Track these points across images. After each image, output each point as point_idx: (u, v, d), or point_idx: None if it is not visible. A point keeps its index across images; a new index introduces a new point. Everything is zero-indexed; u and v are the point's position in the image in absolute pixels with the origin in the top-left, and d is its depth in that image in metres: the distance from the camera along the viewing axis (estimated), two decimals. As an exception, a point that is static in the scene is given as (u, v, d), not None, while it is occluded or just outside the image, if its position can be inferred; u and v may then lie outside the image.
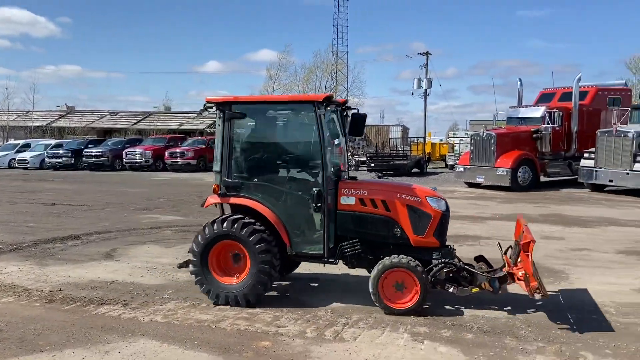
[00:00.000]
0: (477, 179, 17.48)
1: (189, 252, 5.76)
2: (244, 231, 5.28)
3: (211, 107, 5.75)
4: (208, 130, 43.73)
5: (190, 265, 5.54)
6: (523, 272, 4.89)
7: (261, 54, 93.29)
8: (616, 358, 4.21)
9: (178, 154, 26.66)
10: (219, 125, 5.64)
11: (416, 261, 5.16)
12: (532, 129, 17.38)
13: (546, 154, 17.51)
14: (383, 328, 4.84)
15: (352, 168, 23.04)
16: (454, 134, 29.90)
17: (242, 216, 5.40)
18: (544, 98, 19.40)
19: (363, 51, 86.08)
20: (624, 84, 19.66)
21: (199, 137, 32.60)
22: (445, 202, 5.63)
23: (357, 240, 5.50)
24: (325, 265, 5.65)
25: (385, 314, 5.15)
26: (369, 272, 5.38)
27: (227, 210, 5.77)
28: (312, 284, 6.38)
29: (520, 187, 16.58)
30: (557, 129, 17.42)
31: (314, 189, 5.38)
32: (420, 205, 5.44)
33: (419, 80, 38.55)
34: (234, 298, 5.37)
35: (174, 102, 73.14)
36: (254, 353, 4.33)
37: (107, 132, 45.79)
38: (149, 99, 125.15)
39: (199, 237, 5.45)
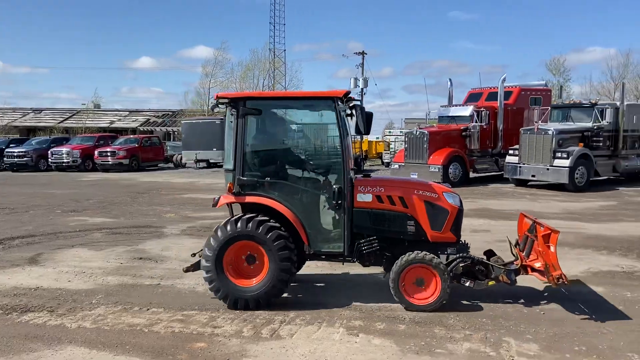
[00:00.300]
0: (412, 176, 18.02)
1: (192, 255, 5.75)
2: (262, 230, 5.16)
3: (222, 104, 5.60)
4: (141, 128, 42.36)
5: (204, 271, 5.28)
6: (542, 262, 5.11)
7: (197, 51, 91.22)
8: (536, 342, 4.50)
9: (109, 154, 25.60)
10: (231, 121, 5.53)
11: (437, 257, 5.23)
12: (462, 127, 18.14)
13: (475, 151, 18.32)
14: (319, 324, 4.91)
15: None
16: (389, 132, 30.61)
17: (256, 215, 5.26)
18: (472, 97, 20.30)
19: (300, 49, 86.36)
20: (544, 85, 20.93)
21: (131, 136, 31.49)
22: (459, 197, 5.71)
23: (374, 237, 5.45)
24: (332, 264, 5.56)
25: (405, 309, 5.21)
26: (386, 269, 5.49)
27: (235, 209, 5.55)
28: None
29: (452, 183, 17.25)
30: (485, 127, 18.28)
31: (334, 187, 5.35)
32: (437, 201, 5.50)
33: (355, 79, 39.13)
34: (254, 300, 5.22)
35: (104, 100, 70.03)
36: (189, 355, 4.27)
37: (31, 131, 43.34)
38: (77, 95, 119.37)
39: (212, 240, 5.25)
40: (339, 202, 5.34)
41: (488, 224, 10.32)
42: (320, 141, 6.01)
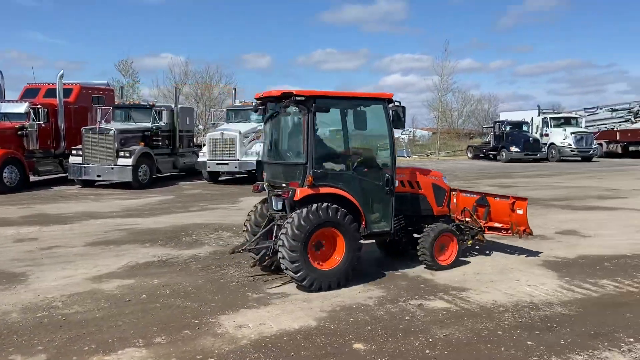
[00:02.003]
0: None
1: (231, 252, 6.46)
2: (341, 216, 5.79)
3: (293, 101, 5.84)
4: None
5: (288, 262, 5.62)
6: (519, 222, 7.06)
7: None
8: (46, 353, 4.28)
9: None
10: (299, 118, 5.94)
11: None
12: (17, 126, 16.24)
13: (35, 151, 16.73)
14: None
15: None
16: None
17: (330, 204, 5.77)
18: (29, 93, 18.47)
19: None
20: (106, 84, 21.03)
21: None
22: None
23: (401, 216, 6.75)
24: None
25: (433, 269, 6.63)
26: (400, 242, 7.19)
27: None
28: None
29: (8, 188, 15.24)
30: (44, 125, 16.90)
31: (386, 175, 6.32)
32: (440, 183, 7.18)
33: None
34: (336, 280, 5.83)
35: None
36: None
37: None
38: None
39: (296, 230, 5.57)
40: (390, 188, 6.34)
41: (38, 231, 9.50)
42: (374, 137, 6.87)
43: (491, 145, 34.86)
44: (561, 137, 32.02)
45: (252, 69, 79.26)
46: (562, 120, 33.95)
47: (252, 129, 17.87)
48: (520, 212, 7.11)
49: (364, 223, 6.19)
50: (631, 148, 33.94)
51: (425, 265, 6.73)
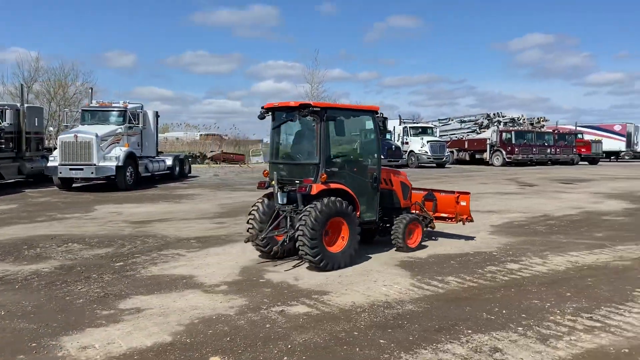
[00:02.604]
0: None
1: (257, 239, 7.32)
2: (347, 207, 7.05)
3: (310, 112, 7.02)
4: None
5: (308, 248, 6.65)
6: (462, 212, 8.81)
7: None
8: None
9: None
10: (313, 125, 7.12)
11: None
12: None
13: None
14: None
15: None
16: None
17: (336, 198, 6.96)
18: None
19: None
20: None
21: None
22: None
23: (380, 208, 8.02)
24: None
25: (403, 251, 8.02)
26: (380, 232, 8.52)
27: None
28: None
29: None
30: None
31: (374, 173, 7.74)
32: (405, 181, 8.61)
33: None
34: (340, 263, 7.01)
35: None
36: None
37: None
38: None
39: (314, 220, 6.61)
40: (376, 184, 7.73)
41: None
42: (365, 142, 8.13)
43: (357, 152, 36.47)
44: (419, 145, 34.65)
45: (115, 68, 74.42)
46: (420, 130, 36.80)
47: (111, 132, 16.72)
48: (464, 203, 8.81)
49: (358, 213, 7.39)
50: (477, 156, 37.83)
51: (396, 248, 8.19)
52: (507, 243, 8.91)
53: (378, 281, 6.52)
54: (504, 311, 5.37)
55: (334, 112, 7.38)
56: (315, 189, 6.88)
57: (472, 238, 9.34)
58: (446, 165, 35.29)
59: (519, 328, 4.89)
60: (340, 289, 6.17)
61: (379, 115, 7.90)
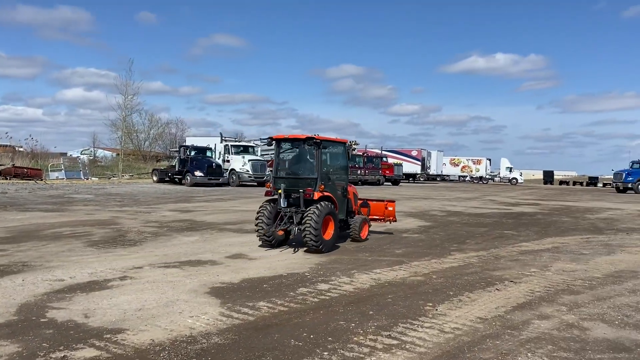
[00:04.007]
0: None
1: (269, 232, 10.17)
2: (333, 209, 10.22)
3: (314, 142, 10.29)
4: None
5: (312, 234, 9.60)
6: (389, 215, 12.75)
7: None
8: None
9: None
10: (314, 152, 10.29)
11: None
12: None
13: None
14: None
15: None
16: None
17: (327, 202, 10.14)
18: None
19: None
20: None
21: None
22: None
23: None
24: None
25: (358, 241, 11.44)
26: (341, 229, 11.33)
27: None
28: None
29: None
30: None
31: (344, 186, 11.30)
32: (356, 192, 12.13)
33: None
34: (329, 245, 10.12)
35: None
36: None
37: None
38: None
39: (317, 216, 9.61)
40: (345, 193, 11.36)
41: None
42: (340, 164, 11.65)
43: (177, 169, 35.10)
44: (240, 163, 34.64)
45: None
46: (242, 148, 36.86)
47: None
48: (390, 208, 12.67)
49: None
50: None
51: (351, 238, 11.49)
52: (319, 263, 9.10)
53: (184, 312, 6.01)
54: (311, 336, 5.31)
55: (326, 142, 10.64)
56: (316, 195, 9.96)
57: (288, 257, 9.36)
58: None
59: (325, 353, 4.86)
60: (138, 325, 5.51)
61: (348, 145, 11.48)
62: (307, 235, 9.61)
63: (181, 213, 16.60)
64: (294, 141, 10.70)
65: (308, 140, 10.17)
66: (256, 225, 10.30)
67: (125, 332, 5.28)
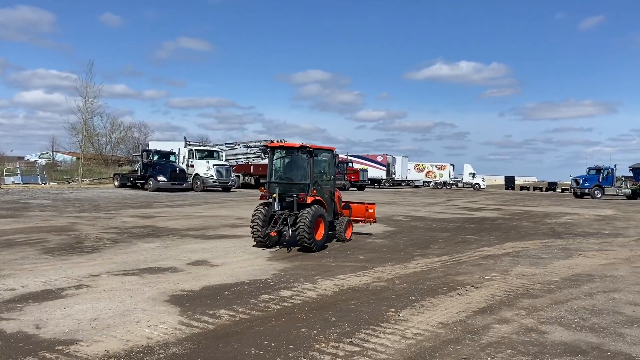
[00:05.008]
0: None
1: (266, 233, 10.87)
2: (323, 211, 11.13)
3: (307, 150, 11.28)
4: None
5: (306, 234, 10.41)
6: (370, 216, 13.75)
7: None
8: None
9: None
10: (307, 159, 11.19)
11: None
12: None
13: None
14: None
15: None
16: None
17: (318, 205, 11.11)
18: None
19: None
20: None
21: None
22: None
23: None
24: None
25: (343, 241, 12.41)
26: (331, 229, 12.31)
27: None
28: None
29: None
30: None
31: (331, 190, 12.20)
32: (341, 197, 12.93)
33: None
34: (320, 244, 10.98)
35: None
36: None
37: None
38: None
39: (309, 218, 10.42)
40: (332, 197, 12.22)
41: None
42: (328, 170, 12.52)
43: (139, 174, 34.35)
44: (205, 168, 34.16)
45: None
46: (206, 153, 36.39)
47: None
48: (370, 210, 13.70)
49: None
50: (262, 180, 38.88)
51: (337, 239, 12.41)
52: (282, 269, 9.01)
53: (141, 322, 5.82)
54: (272, 344, 5.23)
55: (317, 150, 11.53)
56: (309, 199, 10.84)
57: (252, 264, 9.23)
58: (232, 190, 35.45)
59: (286, 361, 4.78)
60: (93, 336, 5.30)
61: (334, 152, 12.57)
62: (300, 235, 10.45)
63: (142, 219, 16.22)
64: (288, 149, 11.64)
65: (302, 148, 11.17)
66: (251, 227, 11.02)
67: (78, 343, 5.07)
